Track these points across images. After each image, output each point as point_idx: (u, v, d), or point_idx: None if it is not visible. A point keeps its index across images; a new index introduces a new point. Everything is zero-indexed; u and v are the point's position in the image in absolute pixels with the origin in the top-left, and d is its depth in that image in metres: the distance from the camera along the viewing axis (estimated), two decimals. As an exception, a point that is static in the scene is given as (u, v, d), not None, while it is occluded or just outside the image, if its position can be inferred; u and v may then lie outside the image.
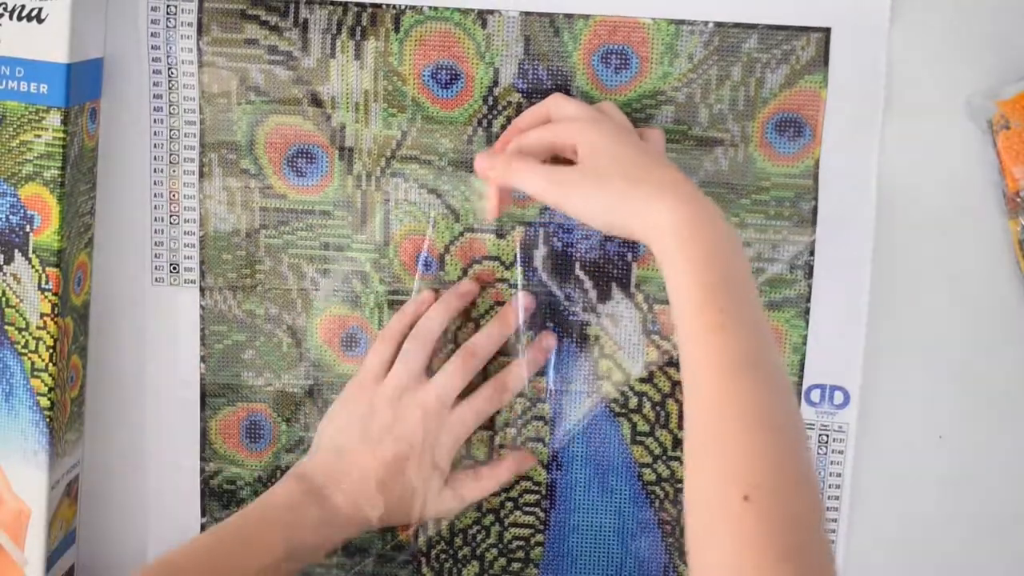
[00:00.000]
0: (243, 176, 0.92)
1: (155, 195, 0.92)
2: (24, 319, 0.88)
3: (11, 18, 0.85)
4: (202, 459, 0.95)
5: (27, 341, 0.89)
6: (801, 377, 0.91)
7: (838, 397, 0.90)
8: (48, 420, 0.89)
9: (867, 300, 0.89)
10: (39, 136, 0.86)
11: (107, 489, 0.96)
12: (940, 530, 0.93)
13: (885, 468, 0.92)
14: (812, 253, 0.89)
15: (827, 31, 0.86)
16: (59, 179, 0.87)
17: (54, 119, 0.86)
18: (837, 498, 0.92)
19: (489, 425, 0.93)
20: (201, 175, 0.92)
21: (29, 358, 0.89)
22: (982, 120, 0.87)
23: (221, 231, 0.93)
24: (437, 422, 0.88)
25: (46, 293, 0.88)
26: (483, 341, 0.90)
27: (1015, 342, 0.90)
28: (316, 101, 0.90)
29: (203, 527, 0.96)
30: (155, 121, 0.91)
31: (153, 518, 0.96)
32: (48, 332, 0.88)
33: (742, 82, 0.88)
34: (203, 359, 0.94)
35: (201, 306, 0.94)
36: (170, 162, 0.92)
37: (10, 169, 0.87)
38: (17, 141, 0.87)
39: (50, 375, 0.89)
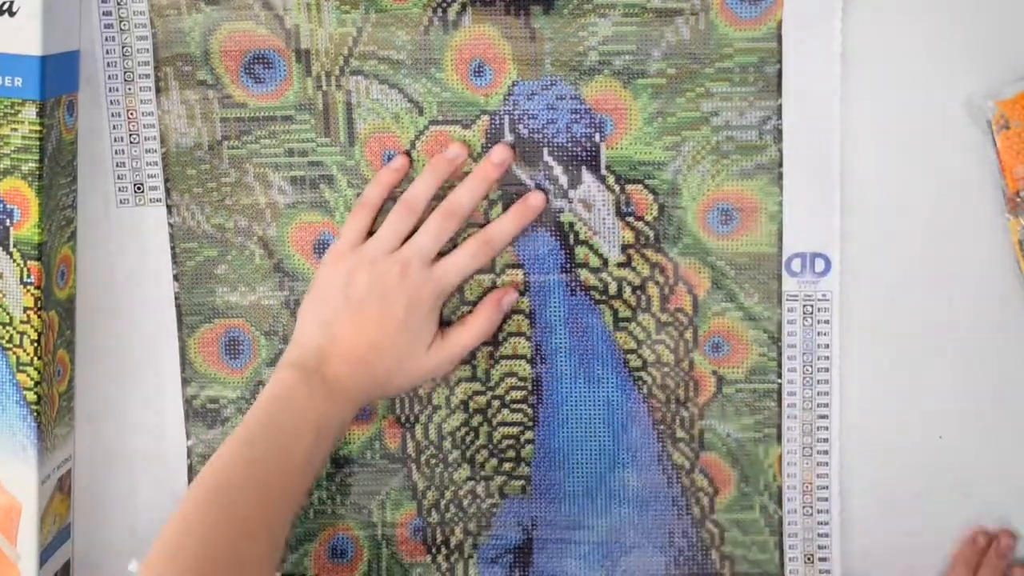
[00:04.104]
0: (201, 88, 0.91)
1: (113, 115, 0.91)
2: (7, 314, 0.88)
3: (-17, 13, 0.84)
4: (183, 379, 0.94)
5: (11, 336, 0.88)
6: (781, 248, 0.89)
7: (819, 264, 0.89)
8: (35, 415, 0.89)
9: (839, 163, 0.88)
10: (15, 130, 0.86)
11: (103, 485, 0.96)
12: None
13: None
14: (780, 117, 0.88)
15: None
16: (37, 172, 0.87)
17: (29, 112, 0.86)
18: (827, 370, 0.91)
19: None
20: (158, 91, 0.91)
21: (14, 353, 0.89)
22: (982, 120, 0.86)
23: (183, 146, 0.92)
24: (419, 277, 0.87)
25: (28, 287, 0.88)
26: (462, 197, 0.89)
27: (1015, 342, 0.89)
28: (267, 5, 0.89)
29: (189, 450, 0.95)
30: (107, 39, 0.90)
31: (140, 446, 0.95)
32: (32, 326, 0.88)
33: None
34: (176, 278, 0.93)
35: (169, 224, 0.93)
36: (125, 80, 0.91)
37: (-12, 163, 0.87)
38: (-7, 135, 0.86)
39: (36, 369, 0.89)
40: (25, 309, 0.88)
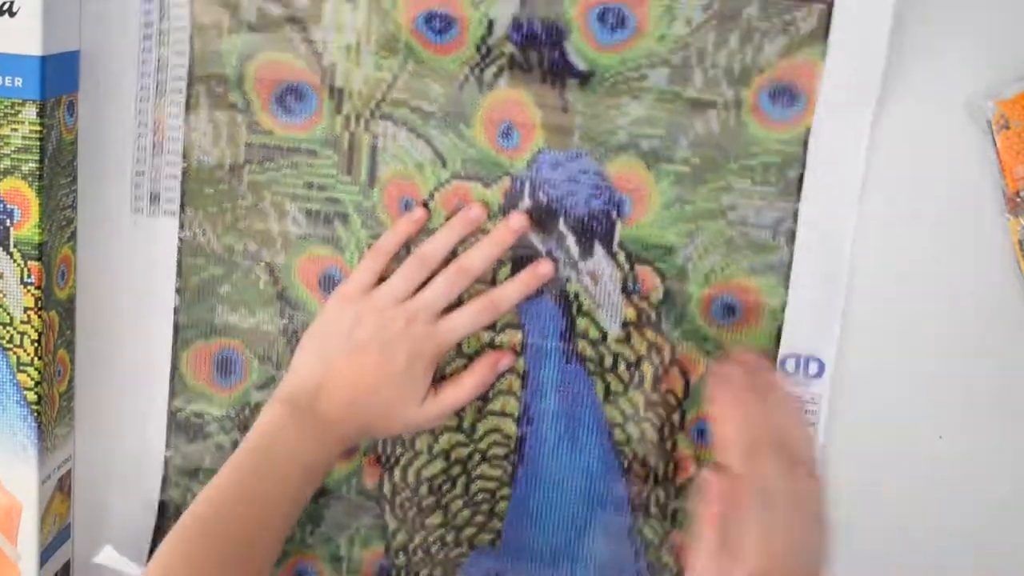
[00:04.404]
0: (230, 110, 0.91)
1: (140, 124, 0.92)
2: (8, 314, 0.89)
3: (-17, 13, 0.85)
4: (171, 391, 0.95)
5: (11, 336, 0.89)
6: (777, 346, 0.91)
7: (813, 367, 0.90)
8: (36, 415, 0.90)
9: (847, 271, 0.89)
10: (15, 130, 0.86)
11: (103, 485, 0.97)
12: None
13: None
14: (796, 220, 0.89)
15: (830, 3, 0.85)
16: (37, 172, 0.87)
17: (30, 112, 0.86)
18: (806, 469, 0.92)
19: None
20: (188, 107, 0.91)
21: (14, 353, 0.89)
22: (982, 120, 0.86)
23: (205, 164, 0.92)
24: (423, 331, 0.88)
25: (29, 287, 0.88)
26: (475, 257, 0.90)
27: (1015, 342, 0.90)
28: (308, 39, 0.90)
29: (167, 460, 0.96)
30: (144, 50, 0.91)
31: (117, 452, 0.96)
32: (32, 326, 0.89)
33: (739, 49, 0.87)
34: (178, 291, 0.94)
35: (179, 238, 0.93)
36: (156, 92, 0.91)
37: (-12, 164, 0.87)
38: (-6, 136, 0.87)
39: (36, 370, 0.89)
40: (25, 309, 0.89)
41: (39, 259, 0.88)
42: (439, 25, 0.89)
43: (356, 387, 0.87)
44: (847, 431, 0.92)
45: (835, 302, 0.90)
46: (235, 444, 0.95)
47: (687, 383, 0.92)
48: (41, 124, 0.86)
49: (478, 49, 0.89)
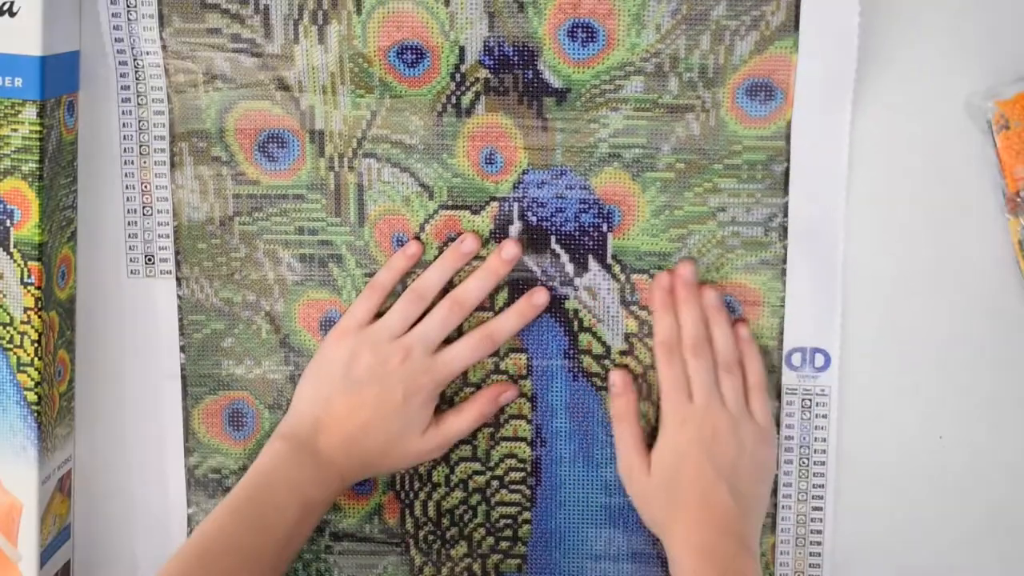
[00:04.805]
0: (214, 164, 0.92)
1: (127, 187, 0.92)
2: (8, 314, 0.89)
3: (-16, 13, 0.85)
4: (186, 449, 0.95)
5: (12, 336, 0.89)
6: (781, 341, 0.90)
7: (819, 360, 0.90)
8: (36, 415, 0.89)
9: (842, 259, 0.89)
10: (16, 130, 0.86)
11: (101, 484, 0.96)
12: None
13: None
14: (786, 215, 0.89)
15: None
16: (37, 173, 0.87)
17: (30, 112, 0.86)
18: (823, 463, 0.92)
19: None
20: (172, 165, 0.92)
21: (14, 353, 0.89)
22: (982, 120, 0.86)
23: (195, 220, 0.93)
24: (420, 365, 0.88)
25: (29, 287, 0.88)
26: (470, 289, 0.90)
27: (1015, 342, 0.90)
28: (283, 86, 0.90)
29: (190, 518, 0.96)
30: (124, 113, 0.91)
31: (141, 513, 0.96)
32: (32, 327, 0.88)
33: (711, 50, 0.87)
34: (183, 349, 0.94)
35: (178, 296, 0.94)
36: (140, 153, 0.92)
37: (-12, 164, 0.87)
38: (-6, 136, 0.87)
39: (36, 370, 0.89)
40: (26, 309, 0.88)
41: (39, 259, 0.88)
42: (411, 58, 0.89)
43: (354, 423, 0.88)
44: (853, 423, 0.92)
45: (833, 293, 0.89)
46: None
47: (696, 388, 0.92)
48: (41, 124, 0.87)
49: (452, 77, 0.89)
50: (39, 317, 0.89)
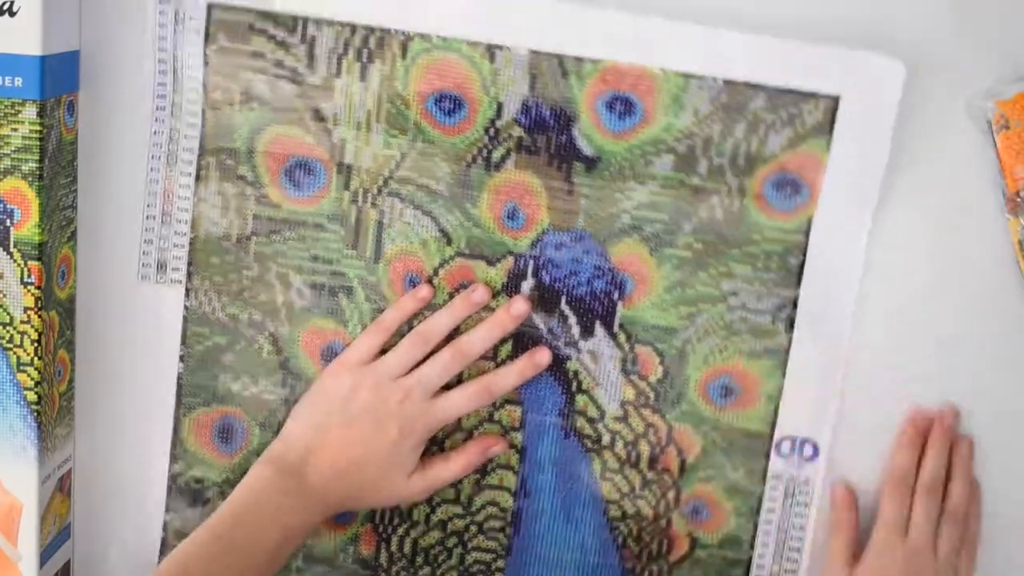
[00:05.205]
0: (239, 182, 0.92)
1: (149, 193, 0.92)
2: (8, 314, 0.89)
3: (-17, 13, 0.85)
4: (172, 456, 0.95)
5: (12, 336, 0.89)
6: (773, 428, 0.92)
7: (807, 450, 0.92)
8: (36, 415, 0.89)
9: (845, 358, 0.91)
10: (15, 130, 0.86)
11: (101, 484, 0.97)
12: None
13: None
14: (795, 307, 0.90)
15: (836, 99, 0.87)
16: (37, 172, 0.87)
17: (30, 112, 0.86)
18: (798, 550, 0.93)
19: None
20: (198, 178, 0.92)
21: (14, 353, 0.89)
22: (982, 120, 0.87)
23: (212, 234, 0.93)
24: (417, 408, 0.89)
25: (29, 287, 0.88)
26: (475, 340, 0.91)
27: (1015, 342, 0.91)
28: (319, 116, 0.91)
29: (166, 524, 0.96)
30: (157, 120, 0.91)
31: (122, 513, 0.97)
32: (32, 326, 0.88)
33: (745, 139, 0.88)
34: (182, 358, 0.95)
35: (185, 306, 0.94)
36: (167, 162, 0.92)
37: (-12, 164, 0.87)
38: (-6, 135, 0.87)
39: (36, 369, 0.89)
40: (26, 309, 0.88)
41: (39, 259, 0.88)
42: (449, 106, 0.90)
43: (345, 457, 0.89)
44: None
45: (833, 389, 0.91)
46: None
47: (683, 462, 0.94)
48: (41, 124, 0.86)
49: (486, 131, 0.90)
50: (39, 317, 0.89)
